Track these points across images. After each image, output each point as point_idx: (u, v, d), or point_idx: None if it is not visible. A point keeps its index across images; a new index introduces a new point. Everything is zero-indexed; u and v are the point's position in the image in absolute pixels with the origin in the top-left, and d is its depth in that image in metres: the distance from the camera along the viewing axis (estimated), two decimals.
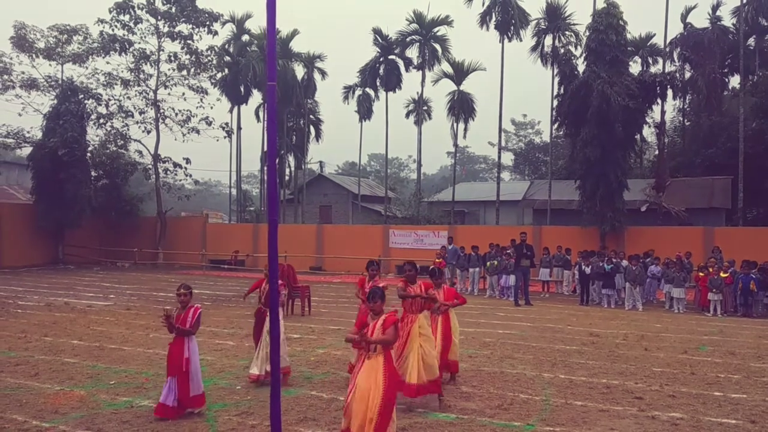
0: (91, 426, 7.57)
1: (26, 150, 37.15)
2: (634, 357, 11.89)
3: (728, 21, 37.47)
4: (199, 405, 8.12)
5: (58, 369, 10.52)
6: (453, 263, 23.57)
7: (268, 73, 4.96)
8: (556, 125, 33.33)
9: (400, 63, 41.73)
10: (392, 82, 41.56)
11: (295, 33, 43.05)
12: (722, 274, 18.75)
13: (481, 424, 7.79)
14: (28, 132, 35.92)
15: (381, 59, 41.52)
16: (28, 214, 34.13)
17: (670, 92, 30.80)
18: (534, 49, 36.29)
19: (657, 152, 40.05)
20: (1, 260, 32.50)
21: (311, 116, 46.71)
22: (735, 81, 39.32)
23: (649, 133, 40.51)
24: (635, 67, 35.69)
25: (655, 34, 39.68)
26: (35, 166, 34.01)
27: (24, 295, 21.31)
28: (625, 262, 20.39)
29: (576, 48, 33.34)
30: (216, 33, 37.20)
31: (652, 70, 36.92)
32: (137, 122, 37.05)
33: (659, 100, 30.63)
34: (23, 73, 35.58)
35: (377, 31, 41.17)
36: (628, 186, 27.28)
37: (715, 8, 37.27)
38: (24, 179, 41.20)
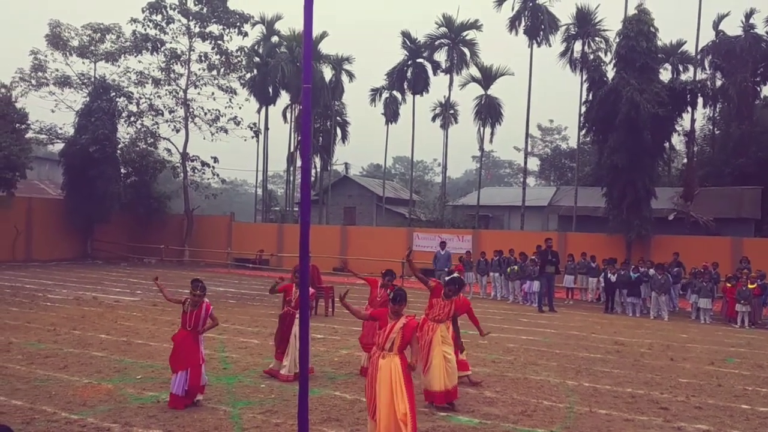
0: (119, 419, 7.70)
1: (58, 146, 37.84)
2: (660, 367, 11.78)
3: (761, 29, 36.86)
4: (203, 392, 8.52)
5: (86, 362, 10.71)
6: (445, 269, 22.08)
7: (303, 76, 5.02)
8: (583, 131, 33.08)
9: (428, 66, 41.66)
10: (419, 86, 41.53)
11: (324, 35, 43.25)
12: (750, 285, 18.48)
13: (505, 429, 7.79)
14: (60, 128, 36.66)
15: (409, 62, 41.51)
16: (58, 209, 34.72)
17: (700, 100, 30.49)
18: (563, 54, 36.03)
19: (686, 161, 39.62)
20: (31, 254, 33.11)
21: (338, 118, 46.86)
22: (767, 90, 38.76)
23: (678, 141, 40.09)
24: (665, 75, 35.31)
25: (686, 42, 39.18)
26: (67, 162, 34.62)
27: (53, 288, 21.67)
28: (652, 271, 20.20)
29: (605, 54, 33.09)
30: (246, 34, 37.57)
31: (683, 77, 36.47)
32: (167, 121, 37.53)
33: (689, 108, 30.32)
34: (57, 70, 36.28)
35: (406, 35, 41.19)
36: (655, 194, 27.00)
37: (748, 16, 36.73)
38: (55, 174, 41.90)
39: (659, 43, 29.11)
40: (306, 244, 5.25)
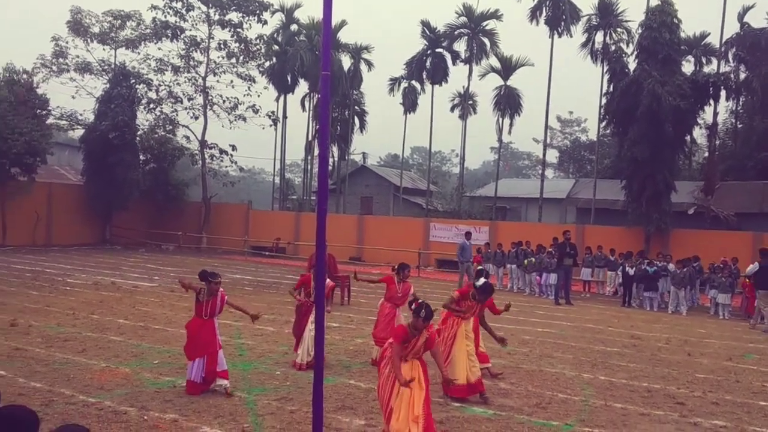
0: (135, 403, 7.78)
1: (78, 132, 38.19)
2: (677, 362, 11.68)
3: None
4: (227, 377, 8.47)
5: (104, 346, 10.82)
6: (470, 261, 22.06)
7: (322, 63, 5.00)
8: (603, 123, 32.78)
9: (447, 56, 41.44)
10: (438, 76, 41.33)
11: (343, 24, 43.14)
12: None
13: (519, 421, 7.76)
14: (80, 114, 36.93)
15: (428, 52, 41.32)
16: (78, 194, 35.06)
17: (723, 93, 30.03)
18: (584, 45, 35.64)
19: (707, 154, 39.11)
20: (51, 238, 33.49)
21: (356, 107, 46.79)
22: None
23: (699, 134, 39.65)
24: (688, 67, 34.80)
25: (709, 34, 38.61)
26: (87, 148, 34.93)
27: (72, 273, 21.91)
28: (671, 266, 20.01)
29: (627, 45, 32.70)
30: (265, 22, 37.52)
31: (706, 70, 35.94)
32: (186, 108, 37.65)
33: (712, 101, 29.88)
34: (78, 56, 36.49)
35: (425, 24, 40.98)
36: (675, 188, 26.70)
37: None
38: (75, 160, 42.26)
39: (682, 34, 28.69)
40: (322, 233, 5.25)
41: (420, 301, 6.81)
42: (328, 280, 10.27)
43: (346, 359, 10.73)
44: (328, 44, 5.02)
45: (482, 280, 9.12)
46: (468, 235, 23.13)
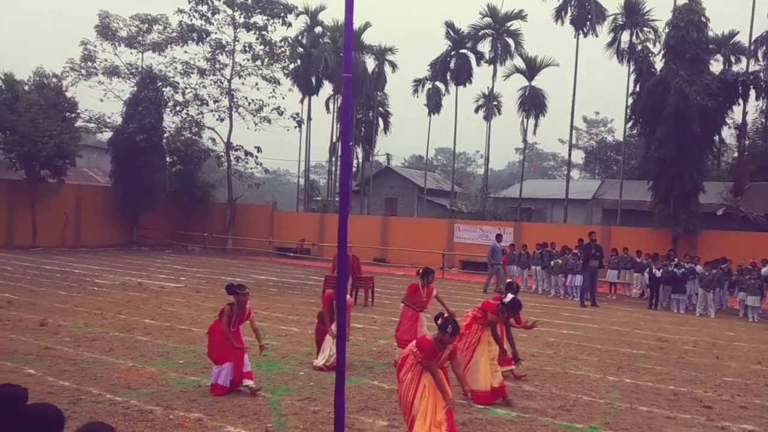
0: (161, 402, 7.87)
1: (106, 134, 38.75)
2: (705, 365, 11.52)
3: None
4: (251, 378, 8.56)
5: (131, 346, 10.96)
6: (497, 264, 22.09)
7: (344, 65, 5.02)
8: (630, 123, 32.44)
9: (472, 57, 41.29)
10: (462, 76, 41.21)
11: (367, 26, 43.24)
12: None
13: (543, 423, 7.71)
14: (108, 117, 37.49)
15: (452, 53, 41.21)
16: (105, 196, 35.58)
17: (753, 92, 29.51)
18: (610, 45, 35.29)
19: (736, 154, 38.49)
20: (79, 239, 34.01)
21: (380, 109, 46.86)
22: None
23: (728, 134, 38.99)
24: (717, 66, 34.30)
25: (738, 32, 37.95)
26: (114, 150, 35.47)
27: (100, 273, 22.22)
28: (699, 267, 19.74)
29: (654, 45, 32.31)
30: (290, 24, 37.79)
31: (735, 69, 35.36)
32: (211, 110, 38.06)
33: (741, 101, 29.39)
34: (106, 60, 37.09)
35: (449, 25, 40.88)
36: (704, 188, 26.32)
37: None
38: (103, 162, 42.89)
39: (710, 33, 28.31)
40: (344, 235, 5.26)
41: (446, 315, 6.78)
42: (349, 297, 10.34)
43: (369, 360, 10.75)
44: (350, 46, 5.04)
45: (510, 296, 9.11)
46: (498, 237, 23.01)
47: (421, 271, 10.51)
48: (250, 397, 8.23)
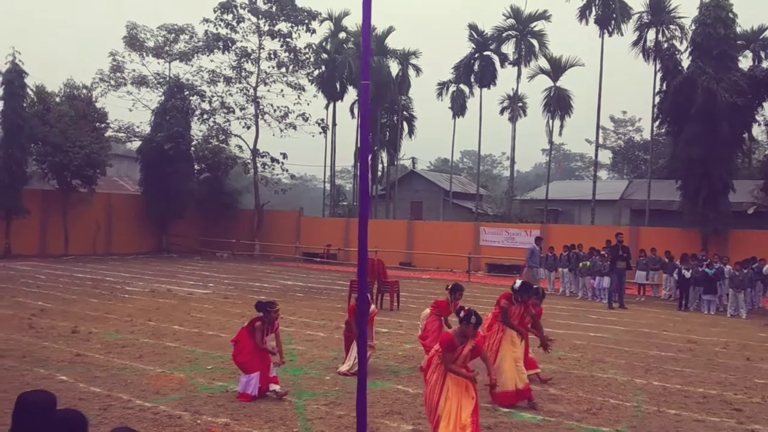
0: (189, 407, 7.99)
1: (136, 144, 39.40)
2: (735, 367, 11.35)
3: None
4: (277, 382, 8.65)
5: (160, 352, 11.13)
6: (535, 266, 21.89)
7: (362, 72, 5.08)
8: (657, 123, 32.09)
9: (495, 59, 41.20)
10: (487, 78, 41.13)
11: (390, 30, 43.36)
12: None
13: (569, 427, 7.68)
14: (137, 127, 38.22)
15: (476, 55, 41.17)
16: (136, 204, 36.16)
17: None
18: (635, 43, 34.90)
19: (767, 152, 37.83)
20: (110, 247, 34.61)
21: (404, 112, 46.92)
22: None
23: (758, 131, 38.22)
24: (745, 62, 33.74)
25: None
26: (143, 159, 36.08)
27: (131, 281, 22.57)
28: (728, 268, 19.43)
29: (681, 42, 31.92)
30: (314, 31, 38.15)
31: (764, 65, 34.77)
32: (238, 118, 38.56)
33: None
34: (134, 70, 37.81)
35: (473, 27, 40.87)
36: (733, 187, 25.94)
37: None
38: (133, 171, 43.62)
39: (739, 29, 27.90)
40: (364, 241, 5.32)
41: (468, 308, 6.80)
42: (373, 306, 10.38)
43: (394, 365, 10.79)
44: (368, 52, 5.11)
45: (519, 282, 9.17)
46: (538, 240, 22.76)
47: (450, 286, 10.49)
48: (277, 402, 8.33)
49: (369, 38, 5.19)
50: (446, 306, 10.31)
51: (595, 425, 7.77)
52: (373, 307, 10.46)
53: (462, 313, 6.69)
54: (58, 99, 33.33)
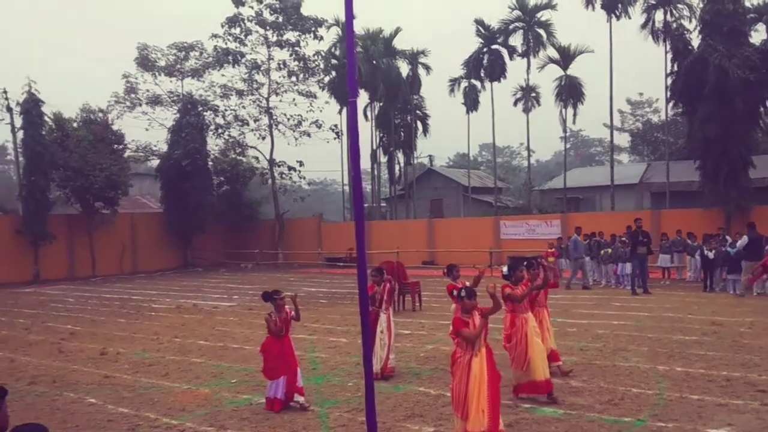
0: (214, 423, 8.15)
1: (154, 162, 39.93)
2: (759, 347, 11.26)
3: None
4: (303, 393, 8.70)
5: (186, 369, 11.33)
6: (579, 257, 21.46)
7: (349, 89, 5.20)
8: (671, 104, 31.80)
9: (504, 52, 41.07)
10: (497, 72, 41.00)
11: (398, 31, 43.43)
12: None
13: (590, 419, 7.70)
14: (155, 145, 38.73)
15: (484, 50, 41.09)
16: (158, 221, 36.66)
17: None
18: (644, 26, 34.59)
19: None
20: (137, 266, 35.11)
21: (418, 111, 46.95)
22: None
23: None
24: (758, 36, 33.24)
25: None
26: (162, 177, 36.56)
27: (157, 298, 22.91)
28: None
29: (690, 21, 31.58)
30: (321, 38, 38.29)
31: None
32: (252, 130, 38.91)
33: None
34: (148, 90, 38.34)
35: (479, 22, 40.77)
36: (753, 163, 25.63)
37: None
38: (155, 189, 44.20)
39: (748, 3, 27.60)
40: (362, 241, 5.44)
41: (460, 287, 7.18)
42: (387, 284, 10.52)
43: (416, 366, 10.86)
44: (353, 70, 5.21)
45: (505, 267, 9.31)
46: (578, 230, 22.53)
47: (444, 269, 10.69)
48: (300, 413, 8.43)
49: (354, 60, 5.30)
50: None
51: (616, 416, 7.78)
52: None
53: (454, 293, 7.18)
54: (75, 124, 33.88)
